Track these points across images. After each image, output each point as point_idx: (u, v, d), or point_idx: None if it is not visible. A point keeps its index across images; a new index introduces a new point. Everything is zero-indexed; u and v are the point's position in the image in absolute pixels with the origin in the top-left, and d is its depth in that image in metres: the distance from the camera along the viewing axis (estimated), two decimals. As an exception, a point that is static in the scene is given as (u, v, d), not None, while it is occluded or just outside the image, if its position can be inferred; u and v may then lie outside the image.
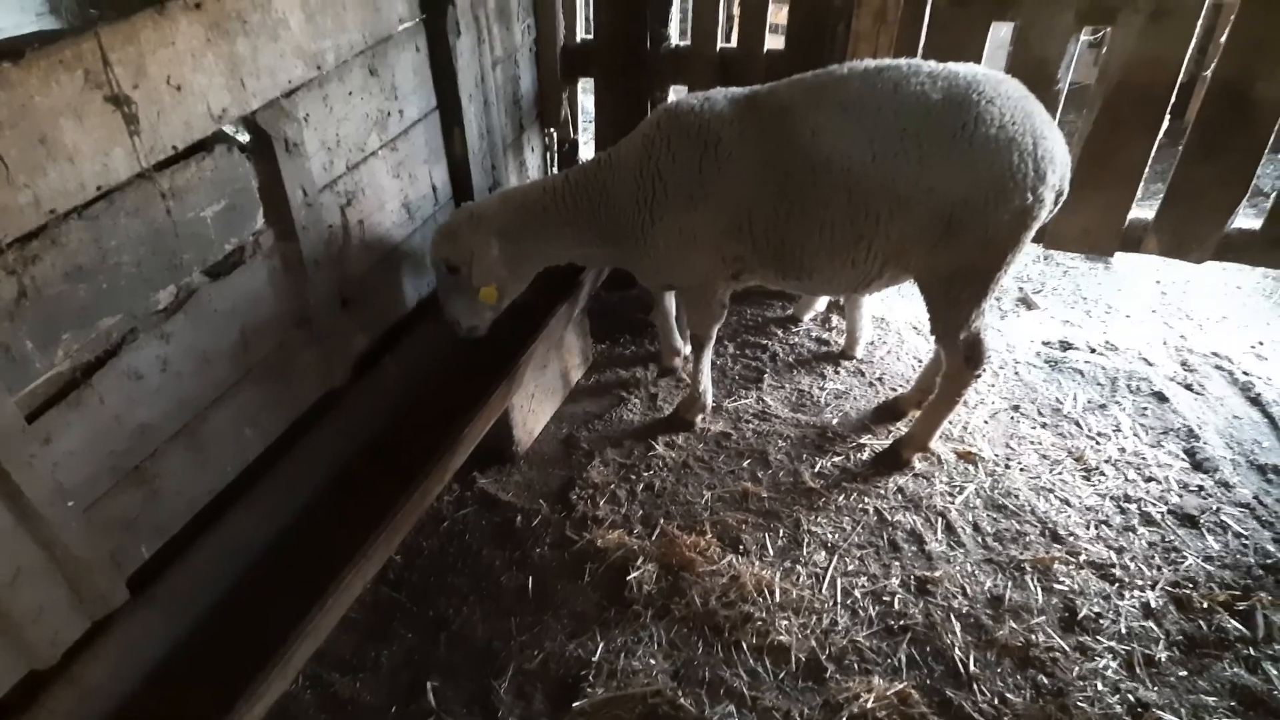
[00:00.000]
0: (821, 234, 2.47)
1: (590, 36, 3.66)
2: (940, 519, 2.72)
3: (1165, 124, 3.08)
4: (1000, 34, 3.15)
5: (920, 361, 3.43)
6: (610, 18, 3.51)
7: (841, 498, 2.79)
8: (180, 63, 1.85)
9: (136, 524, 1.96)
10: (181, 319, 1.98)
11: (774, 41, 3.45)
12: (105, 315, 1.79)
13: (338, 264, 2.47)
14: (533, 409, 2.97)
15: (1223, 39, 2.95)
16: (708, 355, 2.99)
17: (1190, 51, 2.95)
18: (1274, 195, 3.15)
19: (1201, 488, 2.88)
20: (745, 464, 2.94)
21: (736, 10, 3.51)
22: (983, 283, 2.47)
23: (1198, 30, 2.91)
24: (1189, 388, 3.38)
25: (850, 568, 2.55)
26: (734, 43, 3.47)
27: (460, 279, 2.63)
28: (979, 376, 2.70)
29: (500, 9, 3.12)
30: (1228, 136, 3.02)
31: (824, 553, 2.60)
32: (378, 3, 2.47)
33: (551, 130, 3.77)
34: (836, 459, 2.95)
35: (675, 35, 3.58)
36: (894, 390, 3.28)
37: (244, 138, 2.09)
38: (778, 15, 3.35)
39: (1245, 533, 2.70)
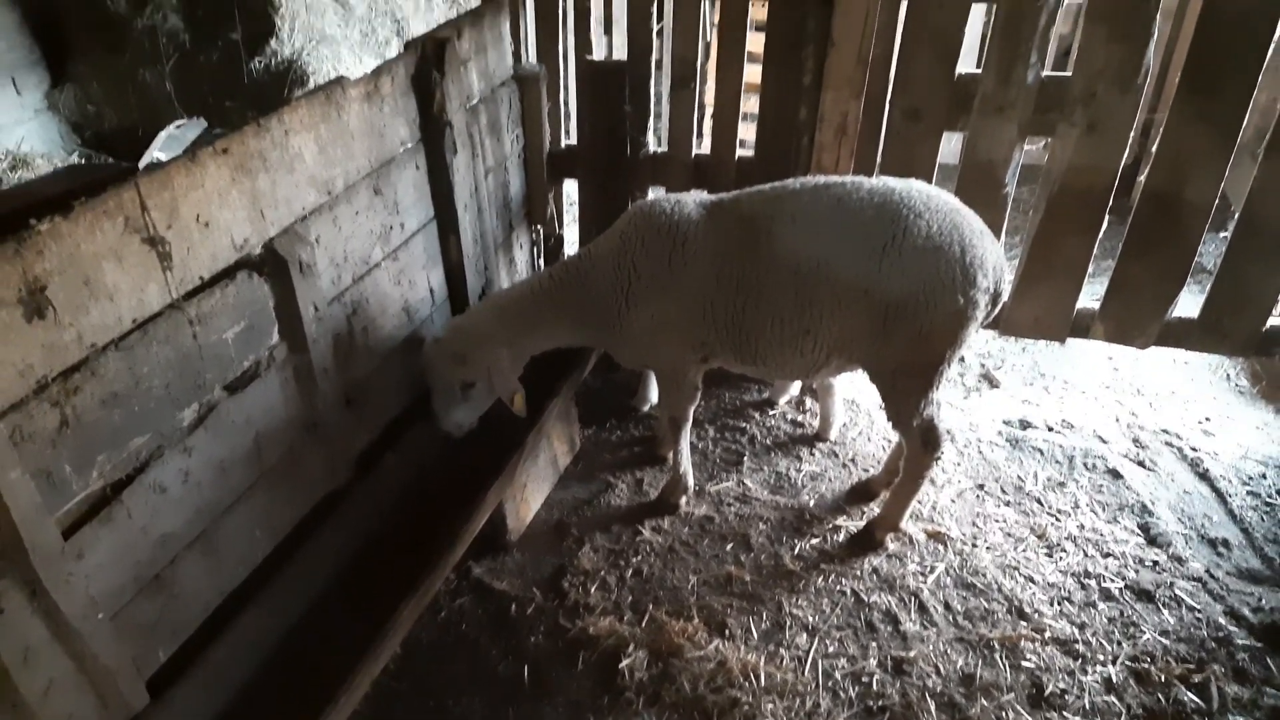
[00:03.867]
0: (773, 326, 2.75)
1: (574, 142, 3.91)
2: (913, 599, 2.88)
3: (1105, 224, 3.36)
4: (951, 143, 3.43)
5: (890, 442, 3.62)
6: (593, 126, 3.77)
7: (820, 579, 2.94)
8: (208, 202, 2.04)
9: (155, 629, 2.06)
10: (202, 433, 2.12)
11: (746, 147, 3.73)
12: (136, 436, 1.93)
13: (343, 369, 2.63)
14: (525, 498, 3.12)
15: (1153, 148, 3.24)
16: (686, 437, 3.17)
17: (1124, 159, 3.24)
18: (1209, 286, 3.41)
19: (1156, 562, 3.06)
20: (728, 547, 3.09)
21: (710, 120, 3.77)
22: (926, 376, 2.72)
23: (1130, 140, 3.21)
24: (1141, 464, 3.60)
25: (830, 649, 2.69)
26: (707, 150, 3.74)
27: (474, 392, 2.84)
28: (938, 459, 2.91)
29: (492, 124, 3.35)
30: (1161, 236, 3.29)
31: (805, 635, 2.74)
32: (382, 130, 2.68)
33: (539, 227, 3.99)
34: (814, 540, 3.11)
35: (653, 142, 3.84)
36: (866, 471, 3.47)
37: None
38: (747, 132, 3.62)
39: (1198, 606, 2.88)
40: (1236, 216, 3.25)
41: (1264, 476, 3.54)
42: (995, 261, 2.65)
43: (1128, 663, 2.67)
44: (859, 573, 2.97)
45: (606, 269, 2.88)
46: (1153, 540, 3.17)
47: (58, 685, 1.77)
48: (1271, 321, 3.39)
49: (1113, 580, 2.98)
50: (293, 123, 2.28)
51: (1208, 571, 3.03)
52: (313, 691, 2.11)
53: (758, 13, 3.49)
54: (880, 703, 2.52)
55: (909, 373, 2.73)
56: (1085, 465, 3.55)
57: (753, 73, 3.57)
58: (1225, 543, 3.18)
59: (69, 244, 1.71)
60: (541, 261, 4.09)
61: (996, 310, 2.79)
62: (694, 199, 2.87)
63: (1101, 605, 2.88)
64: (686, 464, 3.21)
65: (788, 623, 2.77)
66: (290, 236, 2.31)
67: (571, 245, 4.30)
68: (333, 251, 2.53)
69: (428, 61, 2.83)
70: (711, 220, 2.79)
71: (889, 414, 2.89)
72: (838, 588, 2.92)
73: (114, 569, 1.91)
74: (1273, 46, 2.87)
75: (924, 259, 2.55)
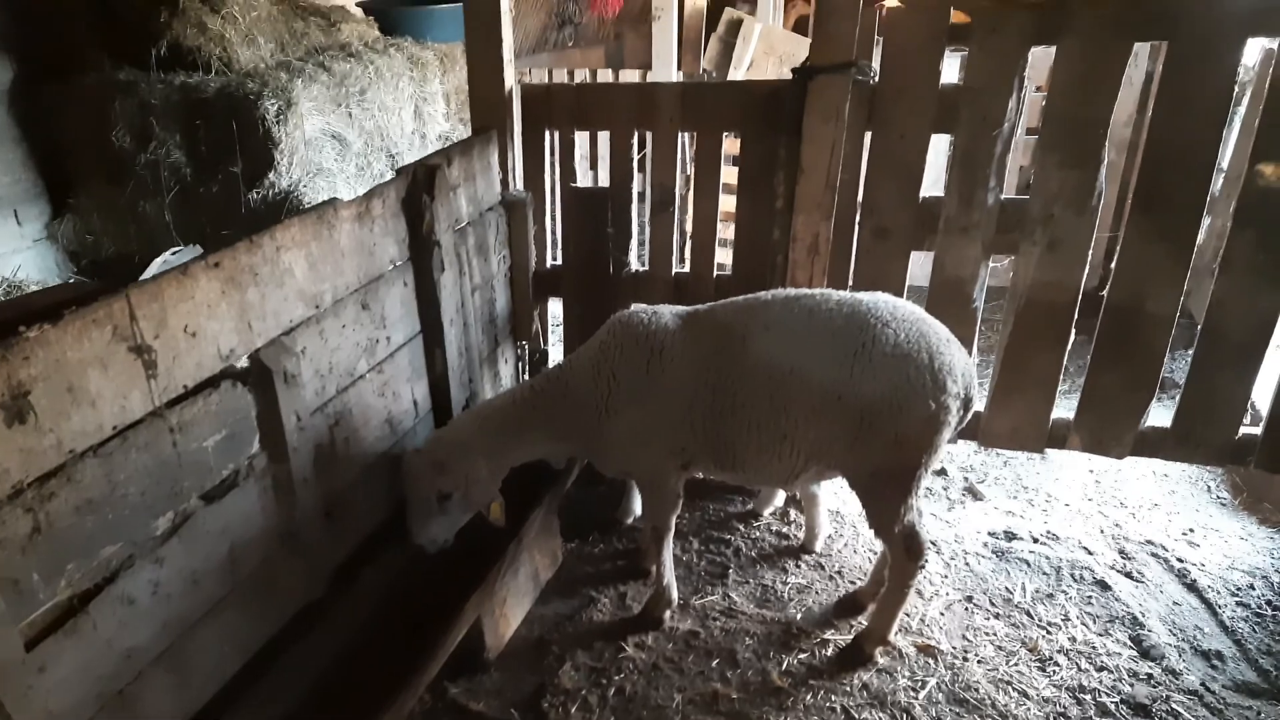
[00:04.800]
0: (749, 431, 2.79)
1: (559, 262, 4.05)
2: (905, 715, 2.79)
3: (1072, 338, 3.47)
4: (921, 263, 3.58)
5: (876, 554, 3.59)
6: (577, 247, 3.93)
7: (809, 696, 2.86)
8: (197, 313, 2.09)
9: (113, 752, 1.98)
10: (175, 543, 2.09)
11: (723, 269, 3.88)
12: (108, 544, 1.91)
13: (323, 480, 2.62)
14: (504, 614, 3.05)
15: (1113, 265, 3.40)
16: (669, 549, 3.14)
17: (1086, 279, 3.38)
18: (1180, 396, 3.49)
19: (1150, 675, 3.00)
20: (714, 664, 3.00)
21: (689, 241, 3.94)
22: (904, 481, 2.74)
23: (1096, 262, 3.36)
24: (1129, 575, 3.57)
25: (820, 771, 2.59)
26: (687, 268, 3.89)
27: (451, 503, 2.83)
28: (922, 567, 2.89)
29: (479, 245, 3.49)
30: (1128, 348, 3.41)
31: (793, 757, 2.64)
32: (372, 248, 2.79)
33: (523, 343, 4.08)
34: (802, 655, 3.03)
35: (635, 261, 3.99)
36: (853, 583, 3.42)
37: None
38: (724, 256, 3.78)
39: (1196, 721, 2.80)
40: (1200, 328, 3.37)
41: (1252, 587, 3.51)
42: (964, 368, 2.73)
43: (1129, 784, 2.57)
44: (849, 689, 2.89)
45: (586, 378, 2.94)
46: (1145, 653, 3.11)
47: (5, 810, 1.69)
48: (1244, 430, 3.46)
49: (1108, 695, 2.90)
50: (285, 240, 2.38)
51: (1203, 685, 2.96)
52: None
53: (730, 146, 3.73)
54: (872, 829, 2.40)
55: (887, 479, 2.75)
56: (1073, 576, 3.52)
57: (727, 203, 3.77)
58: (1219, 655, 3.12)
59: (56, 350, 1.74)
60: (526, 376, 4.15)
61: (968, 416, 2.85)
62: (671, 310, 2.97)
63: (1098, 722, 2.80)
64: (670, 577, 3.17)
65: (775, 743, 2.68)
66: (276, 348, 2.36)
67: (556, 361, 4.38)
68: (318, 363, 2.58)
69: (418, 185, 2.97)
70: (688, 329, 2.88)
71: (870, 521, 2.89)
72: (827, 704, 2.82)
73: (76, 684, 1.85)
74: (1220, 179, 3.08)
75: (893, 365, 2.62)
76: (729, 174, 3.69)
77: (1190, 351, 3.49)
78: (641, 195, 4.19)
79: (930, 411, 2.63)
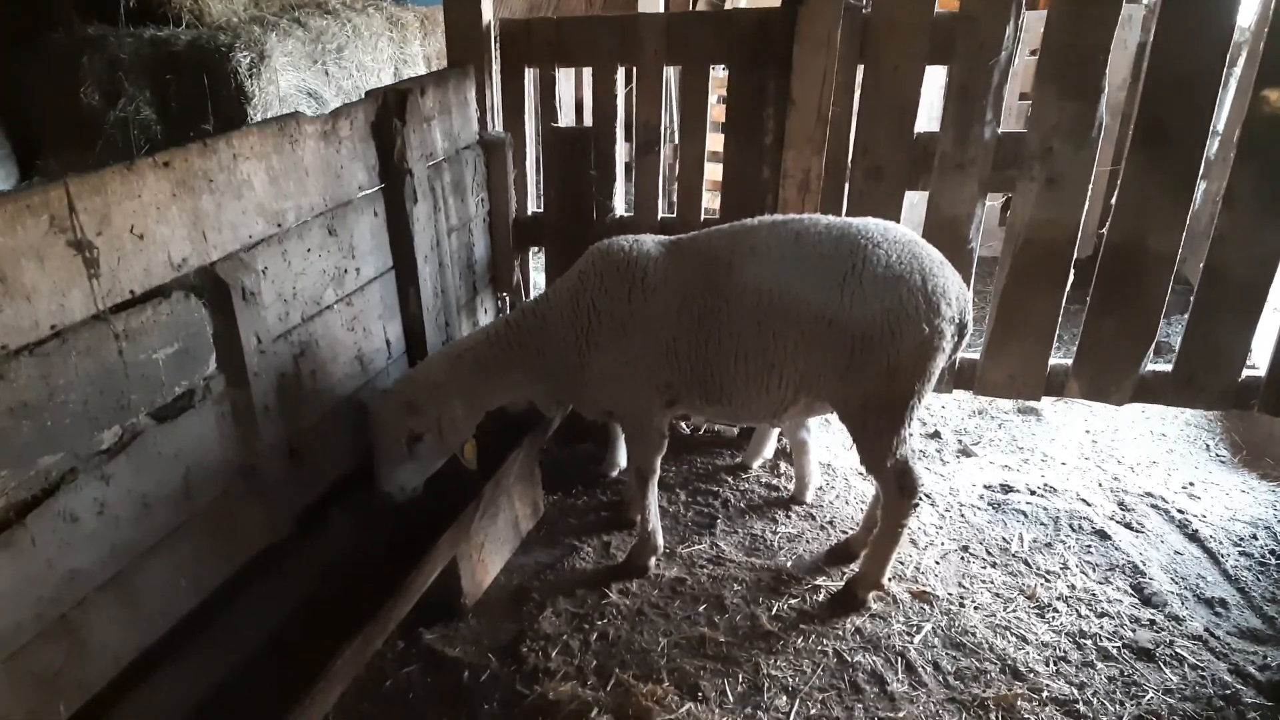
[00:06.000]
0: (737, 362, 2.68)
1: (540, 210, 3.92)
2: (900, 659, 2.67)
3: (1070, 278, 3.36)
4: (913, 201, 3.46)
5: (866, 505, 3.48)
6: (559, 193, 3.79)
7: (800, 640, 2.73)
8: (145, 214, 1.96)
9: (58, 679, 1.83)
10: (124, 460, 1.96)
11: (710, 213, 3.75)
12: (46, 453, 1.77)
13: (288, 414, 2.49)
14: (482, 559, 2.91)
15: (1113, 201, 3.28)
16: (653, 491, 3.02)
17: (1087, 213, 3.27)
18: (1180, 339, 3.39)
19: (1153, 622, 2.89)
20: (701, 609, 2.88)
21: (676, 184, 3.81)
22: (896, 412, 2.62)
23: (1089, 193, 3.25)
24: (1129, 526, 3.47)
25: (813, 712, 2.46)
26: (674, 213, 3.76)
27: (422, 446, 2.68)
28: (916, 506, 2.78)
29: (456, 183, 3.35)
30: (1128, 290, 3.30)
31: (785, 697, 2.51)
32: (339, 170, 2.65)
33: (504, 294, 3.94)
34: (793, 601, 2.91)
35: (619, 207, 3.86)
36: (845, 533, 3.31)
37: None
38: (712, 201, 3.66)
39: (1201, 665, 2.69)
40: (1201, 267, 3.27)
41: (1255, 537, 3.41)
42: (958, 291, 2.61)
43: (1134, 723, 2.46)
44: (841, 633, 2.77)
45: (565, 310, 2.80)
46: (1147, 600, 3.01)
47: (-72, 733, 1.55)
48: (1247, 373, 3.36)
49: (1109, 640, 2.80)
50: (242, 148, 2.24)
51: (1207, 630, 2.86)
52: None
53: (718, 85, 3.60)
54: (868, 768, 2.28)
55: (879, 409, 2.63)
56: (1071, 527, 3.42)
57: (715, 141, 3.63)
58: (1223, 602, 3.02)
59: (-15, 237, 1.61)
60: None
61: (963, 343, 2.73)
62: (653, 238, 2.84)
63: (1100, 665, 2.69)
64: (656, 523, 3.04)
65: (766, 684, 2.55)
66: (234, 262, 2.22)
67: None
68: (280, 286, 2.44)
69: (389, 110, 2.83)
70: (671, 256, 2.75)
71: (862, 457, 2.76)
72: (819, 648, 2.70)
73: (11, 602, 1.71)
74: (1216, 142, 2.97)
75: (886, 287, 2.50)
76: (716, 112, 3.55)
77: (1185, 316, 3.39)
78: (626, 136, 4.05)
79: (924, 336, 2.51)
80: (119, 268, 1.90)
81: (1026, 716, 2.47)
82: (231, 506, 2.32)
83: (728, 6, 6.93)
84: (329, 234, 2.63)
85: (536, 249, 4.20)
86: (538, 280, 4.44)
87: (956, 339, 2.64)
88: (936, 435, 4.47)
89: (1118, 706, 2.52)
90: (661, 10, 7.29)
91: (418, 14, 6.29)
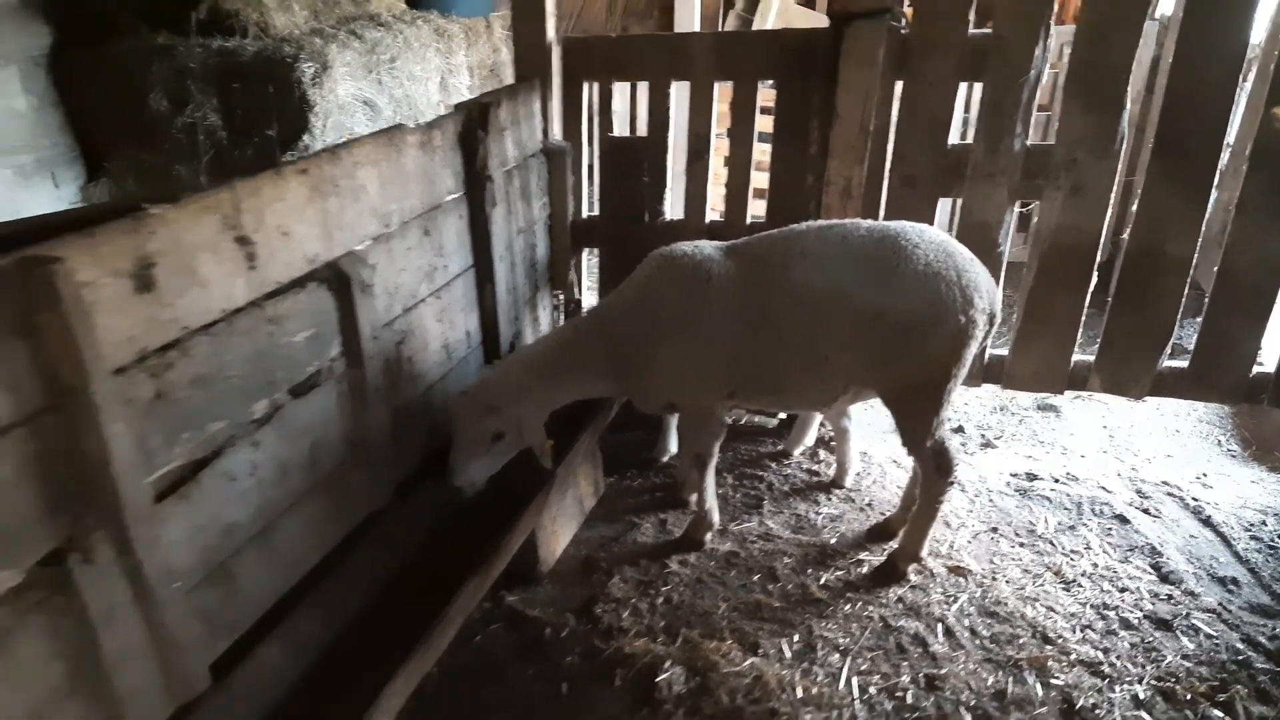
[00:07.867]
0: (793, 355, 2.92)
1: (595, 213, 4.19)
2: (939, 624, 2.93)
3: (1094, 280, 3.62)
4: (947, 207, 3.72)
5: (902, 490, 3.73)
6: (613, 198, 4.06)
7: (847, 606, 3.00)
8: (289, 214, 2.23)
9: (216, 619, 2.11)
10: (270, 430, 2.23)
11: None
12: (214, 420, 2.04)
13: (390, 393, 2.76)
14: (555, 530, 3.19)
15: (1134, 208, 3.55)
16: (711, 474, 3.27)
17: (1109, 220, 3.53)
18: (1196, 337, 3.64)
19: (1170, 596, 3.14)
20: (755, 578, 3.15)
21: (723, 190, 4.08)
22: (935, 395, 2.89)
23: (1112, 202, 3.51)
24: (1146, 511, 3.71)
25: (863, 667, 2.72)
26: (721, 217, 4.03)
27: (501, 445, 2.90)
28: (952, 484, 3.04)
29: (523, 189, 3.63)
30: (1148, 291, 3.55)
31: (837, 655, 2.77)
32: (433, 178, 2.93)
33: (559, 293, 4.21)
34: (839, 573, 3.18)
35: (669, 211, 4.13)
36: (882, 514, 3.56)
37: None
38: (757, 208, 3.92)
39: (1215, 634, 2.94)
40: (1215, 271, 3.52)
41: (1264, 523, 3.65)
42: (987, 285, 2.88)
43: (1153, 682, 2.71)
44: (885, 601, 3.03)
45: (632, 313, 3.04)
46: (1165, 578, 3.25)
47: (131, 652, 1.81)
48: (1257, 370, 3.61)
49: (1130, 611, 3.04)
50: (360, 156, 2.51)
51: (1221, 605, 3.10)
52: (356, 693, 2.14)
53: (764, 97, 3.87)
54: (916, 715, 2.54)
55: (920, 393, 2.89)
56: (1093, 511, 3.67)
57: (760, 150, 3.90)
58: (1235, 581, 3.26)
59: (174, 230, 1.88)
60: (562, 322, 4.29)
61: (993, 330, 3.00)
62: (710, 244, 3.06)
63: (1122, 633, 2.94)
64: (712, 501, 3.30)
65: (819, 644, 2.81)
66: (354, 258, 2.50)
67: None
68: (387, 280, 2.71)
69: (473, 121, 3.11)
70: (729, 260, 2.98)
71: (903, 438, 3.02)
72: (865, 613, 2.97)
73: (187, 547, 1.98)
74: (1227, 153, 3.21)
75: (926, 282, 2.76)
76: (762, 123, 3.82)
77: (1197, 319, 3.64)
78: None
79: (960, 325, 2.78)
80: (270, 260, 2.17)
81: (1057, 674, 2.72)
82: (346, 475, 2.59)
83: (755, 21, 7.20)
84: (424, 234, 2.91)
85: (590, 250, 4.47)
86: (587, 281, 4.72)
87: (987, 328, 2.92)
88: (960, 430, 4.73)
89: (1139, 668, 2.77)
90: (695, 21, 7.62)
91: (462, 25, 6.59)
